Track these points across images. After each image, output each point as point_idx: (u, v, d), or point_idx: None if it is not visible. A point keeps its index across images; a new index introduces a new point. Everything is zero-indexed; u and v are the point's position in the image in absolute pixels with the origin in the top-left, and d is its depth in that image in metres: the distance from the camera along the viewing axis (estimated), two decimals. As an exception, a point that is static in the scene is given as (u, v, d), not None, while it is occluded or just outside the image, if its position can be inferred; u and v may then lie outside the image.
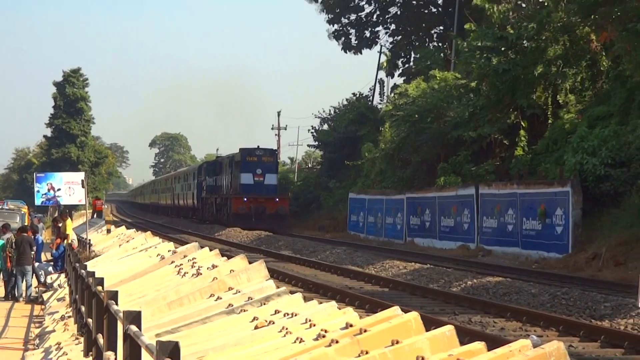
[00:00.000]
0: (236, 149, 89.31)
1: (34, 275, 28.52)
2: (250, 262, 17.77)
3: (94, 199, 65.82)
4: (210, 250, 21.67)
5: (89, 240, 35.43)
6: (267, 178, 52.51)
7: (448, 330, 8.93)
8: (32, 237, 29.56)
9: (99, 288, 11.57)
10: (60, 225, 36.21)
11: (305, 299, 13.00)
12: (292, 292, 14.22)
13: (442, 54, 62.09)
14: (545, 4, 48.94)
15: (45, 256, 29.88)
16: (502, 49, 46.30)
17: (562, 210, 34.41)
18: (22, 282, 27.15)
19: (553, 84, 43.69)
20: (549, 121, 43.48)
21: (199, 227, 65.07)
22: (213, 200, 62.93)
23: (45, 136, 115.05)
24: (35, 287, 27.72)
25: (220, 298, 14.73)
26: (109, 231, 44.35)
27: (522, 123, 45.07)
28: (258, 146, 66.65)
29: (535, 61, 43.89)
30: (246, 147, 63.17)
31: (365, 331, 9.13)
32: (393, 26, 73.35)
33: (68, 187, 60.13)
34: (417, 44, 70.68)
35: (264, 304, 12.79)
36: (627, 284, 19.97)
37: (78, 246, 29.68)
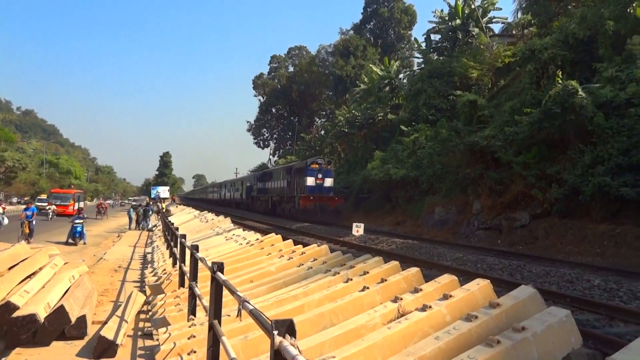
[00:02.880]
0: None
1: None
2: (225, 217, 17.28)
3: (172, 196, 64.05)
4: (213, 213, 21.04)
5: (170, 209, 33.95)
6: (325, 181, 30.34)
7: (291, 241, 9.00)
8: (149, 206, 28.92)
9: (173, 226, 11.20)
10: (159, 204, 35.12)
11: (243, 230, 12.76)
12: (241, 229, 13.90)
13: (290, 150, 61.26)
14: (324, 134, 49.60)
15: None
16: (309, 149, 46.37)
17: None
18: (144, 223, 26.01)
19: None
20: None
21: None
22: (267, 198, 37.19)
23: (155, 174, 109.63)
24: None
25: (214, 230, 14.34)
26: (177, 206, 42.83)
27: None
28: (318, 157, 36.05)
29: (321, 153, 44.36)
30: (310, 158, 34.32)
31: (262, 241, 9.12)
32: (275, 140, 71.78)
33: (164, 191, 60.20)
34: (282, 147, 69.40)
35: (229, 232, 12.51)
36: (349, 226, 19.79)
37: (166, 211, 28.85)
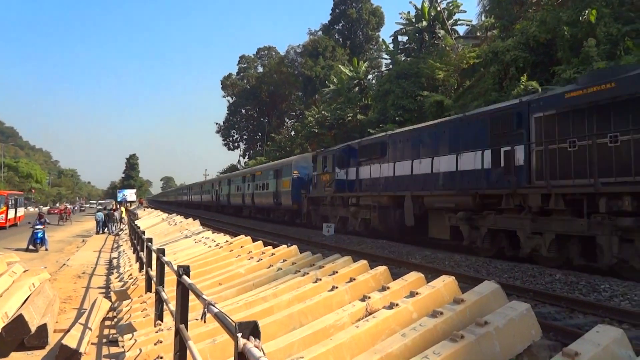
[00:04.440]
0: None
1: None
2: (194, 220, 16.97)
3: (139, 198, 61.43)
4: (181, 215, 20.61)
5: (137, 212, 32.93)
6: None
7: (261, 242, 8.93)
8: (115, 211, 27.90)
9: (139, 229, 10.92)
10: (123, 208, 33.42)
11: (213, 232, 12.56)
12: (210, 231, 13.65)
13: (261, 152, 60.75)
14: (294, 135, 49.41)
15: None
16: (279, 150, 46.19)
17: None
18: (108, 228, 25.30)
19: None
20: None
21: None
22: (394, 203, 13.73)
23: (122, 176, 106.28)
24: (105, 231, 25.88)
25: (182, 233, 14.05)
26: (144, 209, 41.41)
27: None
28: None
29: (290, 154, 44.13)
30: None
31: (231, 243, 9.03)
32: (245, 141, 71.20)
33: (130, 194, 56.73)
34: (252, 148, 68.84)
35: (198, 234, 12.29)
36: (319, 227, 19.58)
37: (131, 215, 27.46)
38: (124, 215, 27.70)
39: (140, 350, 4.31)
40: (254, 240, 9.82)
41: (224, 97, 70.59)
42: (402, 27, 33.61)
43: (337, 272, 5.51)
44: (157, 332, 4.72)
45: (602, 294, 7.61)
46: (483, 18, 29.58)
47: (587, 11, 15.81)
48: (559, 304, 7.17)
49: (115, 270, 10.86)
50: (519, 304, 3.69)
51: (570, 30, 16.39)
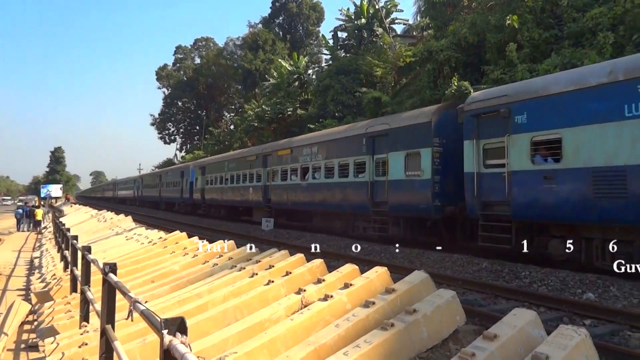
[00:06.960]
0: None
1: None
2: (126, 216, 16.20)
3: (66, 194, 57.31)
4: (112, 211, 19.58)
5: (63, 209, 30.86)
6: None
7: (197, 238, 8.70)
8: (36, 208, 26.21)
9: (64, 227, 10.26)
10: (38, 210, 30.34)
11: (146, 229, 12.05)
12: (143, 227, 13.06)
13: (199, 146, 58.99)
14: (233, 129, 48.28)
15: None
16: (218, 144, 44.93)
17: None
18: (26, 224, 24.00)
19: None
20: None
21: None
22: None
23: (46, 171, 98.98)
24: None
25: (113, 230, 13.39)
26: (71, 206, 38.84)
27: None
28: None
29: (229, 148, 42.87)
30: None
31: (166, 239, 8.73)
32: (182, 134, 68.91)
33: (55, 190, 52.58)
34: (190, 141, 66.75)
35: (130, 231, 11.75)
36: (259, 222, 19.14)
37: (56, 211, 25.76)
38: (38, 217, 25.22)
39: (63, 354, 4.08)
40: (189, 236, 9.56)
41: (159, 88, 67.97)
42: (342, 23, 33.98)
43: (273, 266, 5.50)
44: (82, 334, 4.49)
45: (522, 281, 8.19)
46: (419, 18, 30.60)
47: (509, 16, 16.82)
48: (484, 291, 7.64)
49: (37, 271, 10.17)
50: (446, 291, 3.89)
51: (494, 37, 17.36)
